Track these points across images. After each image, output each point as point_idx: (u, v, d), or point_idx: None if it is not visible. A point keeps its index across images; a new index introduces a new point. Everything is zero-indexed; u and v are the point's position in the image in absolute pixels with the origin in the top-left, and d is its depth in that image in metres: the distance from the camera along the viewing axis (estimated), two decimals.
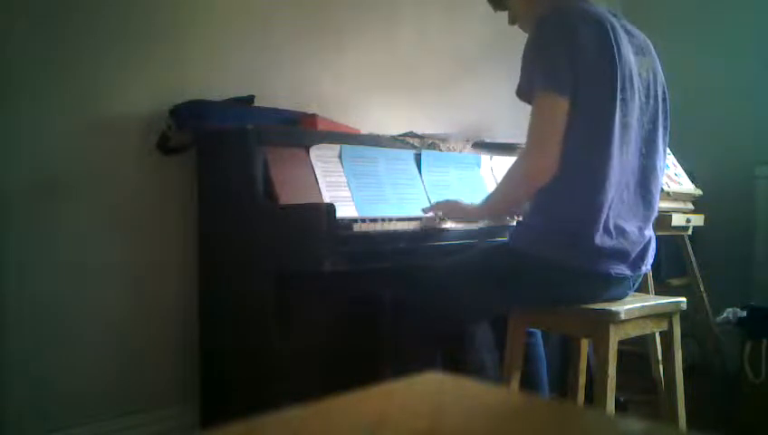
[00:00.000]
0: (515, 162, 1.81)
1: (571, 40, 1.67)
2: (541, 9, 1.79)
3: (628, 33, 1.80)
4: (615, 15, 1.82)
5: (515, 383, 1.84)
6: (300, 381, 1.88)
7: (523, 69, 1.74)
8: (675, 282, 3.09)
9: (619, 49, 1.71)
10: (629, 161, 1.76)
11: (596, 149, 1.70)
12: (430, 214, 1.99)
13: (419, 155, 2.35)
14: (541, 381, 2.05)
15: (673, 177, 2.75)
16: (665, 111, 1.88)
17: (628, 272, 1.77)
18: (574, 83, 1.67)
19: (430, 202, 2.26)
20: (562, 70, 1.67)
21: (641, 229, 1.80)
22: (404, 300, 1.90)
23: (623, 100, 1.71)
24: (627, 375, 2.44)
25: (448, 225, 2.00)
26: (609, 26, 1.72)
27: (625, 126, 1.73)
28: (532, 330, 2.02)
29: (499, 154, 2.59)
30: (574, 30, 1.68)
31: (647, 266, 1.84)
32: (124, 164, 2.13)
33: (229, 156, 2.02)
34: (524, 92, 1.74)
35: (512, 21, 1.94)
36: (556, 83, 1.67)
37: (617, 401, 2.22)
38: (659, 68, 1.88)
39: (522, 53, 1.76)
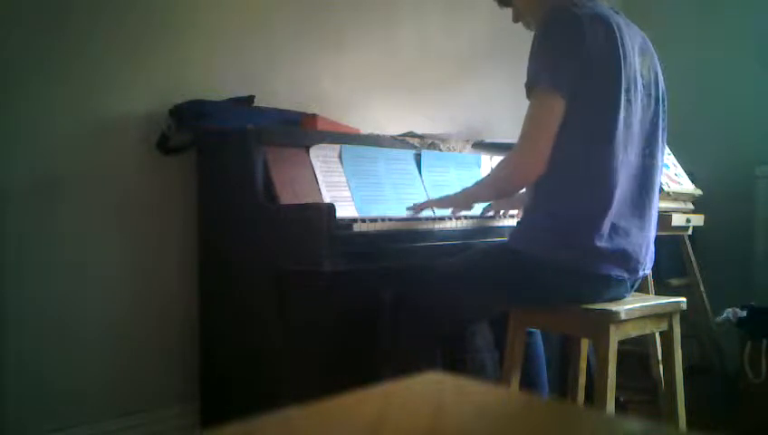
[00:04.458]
0: (507, 156, 1.84)
1: (576, 40, 1.68)
2: (546, 7, 1.78)
3: (631, 31, 1.81)
4: (618, 14, 1.82)
5: (515, 383, 1.84)
6: (300, 381, 1.88)
7: (529, 64, 1.75)
8: (675, 282, 3.09)
9: (624, 49, 1.71)
10: (633, 162, 1.76)
11: (598, 150, 1.70)
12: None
13: (419, 155, 2.35)
14: (541, 381, 2.05)
15: (673, 177, 2.75)
16: (663, 111, 1.88)
17: (627, 275, 1.77)
18: (576, 83, 1.67)
19: None
20: (564, 69, 1.67)
21: (644, 230, 1.80)
22: (404, 300, 1.90)
23: (628, 100, 1.71)
24: (627, 375, 2.44)
25: (450, 224, 2.01)
26: (615, 26, 1.72)
27: (628, 126, 1.73)
28: (532, 330, 2.02)
29: (499, 154, 2.59)
30: (581, 30, 1.68)
31: (645, 270, 1.84)
32: (124, 164, 2.13)
33: (229, 156, 2.02)
34: (529, 86, 1.75)
35: (515, 18, 1.94)
36: (555, 82, 1.68)
37: (617, 401, 2.22)
38: (659, 68, 1.89)
39: (522, 52, 1.77)
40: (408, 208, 2.06)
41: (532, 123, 1.72)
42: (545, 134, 1.70)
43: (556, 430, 0.58)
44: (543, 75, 1.69)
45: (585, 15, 1.71)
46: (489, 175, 1.98)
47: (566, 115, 1.69)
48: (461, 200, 1.98)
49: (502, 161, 1.87)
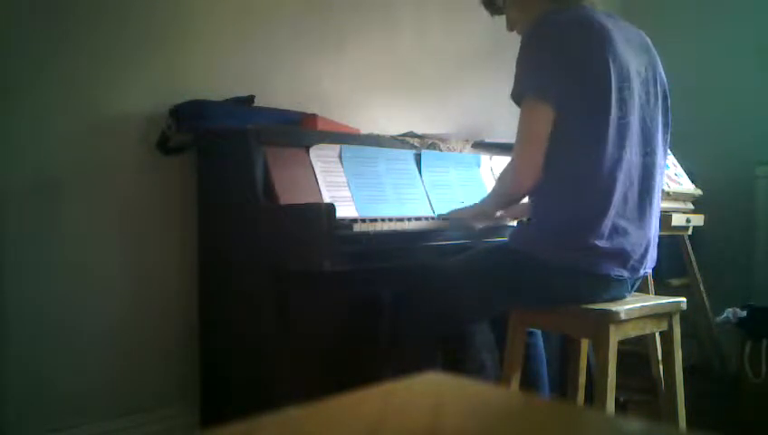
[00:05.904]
0: (506, 167, 1.90)
1: (559, 46, 1.70)
2: (535, 13, 1.79)
3: (625, 32, 1.81)
4: (611, 17, 1.82)
5: (515, 383, 1.84)
6: (300, 381, 1.88)
7: (515, 73, 1.76)
8: (675, 282, 3.09)
9: (613, 48, 1.71)
10: (633, 160, 1.76)
11: (592, 150, 1.70)
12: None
13: (419, 155, 2.35)
14: (541, 381, 2.05)
15: (673, 177, 2.75)
16: (665, 110, 1.88)
17: (627, 274, 1.77)
18: (563, 88, 1.68)
19: (430, 202, 2.26)
20: (548, 76, 1.69)
21: (643, 229, 1.79)
22: (404, 300, 1.90)
23: (621, 99, 1.72)
24: (627, 375, 2.44)
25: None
26: (601, 28, 1.72)
27: (625, 125, 1.73)
28: (532, 330, 2.02)
29: (499, 154, 2.59)
30: (562, 35, 1.70)
31: (646, 269, 1.84)
32: (124, 164, 2.13)
33: (229, 156, 2.02)
34: (515, 96, 1.77)
35: (510, 27, 1.96)
36: (540, 90, 1.70)
37: (617, 401, 2.22)
38: (660, 66, 1.88)
39: None
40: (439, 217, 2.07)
41: (523, 133, 1.76)
42: (536, 143, 1.72)
43: (556, 430, 0.58)
44: (529, 85, 1.72)
45: (565, 21, 1.72)
46: (493, 189, 2.01)
47: (558, 120, 1.70)
48: (472, 216, 2.01)
49: (502, 172, 1.93)
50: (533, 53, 1.73)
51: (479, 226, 2.06)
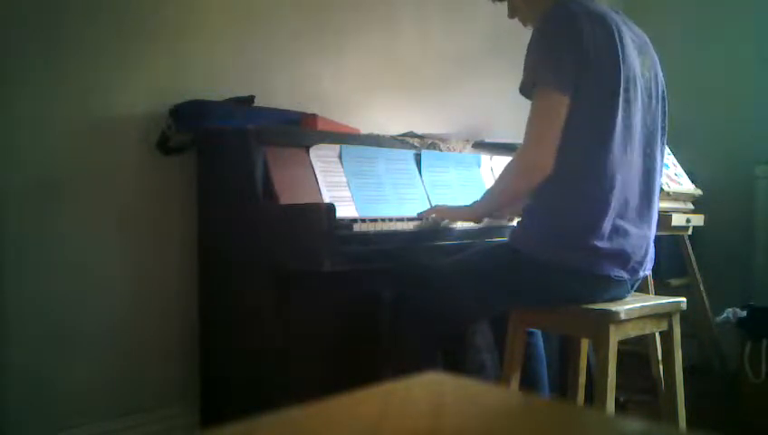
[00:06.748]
0: (513, 158, 1.82)
1: (575, 37, 1.67)
2: (543, 4, 1.78)
3: (631, 31, 1.80)
4: (617, 13, 1.81)
5: (515, 383, 1.84)
6: (300, 381, 1.88)
7: (526, 65, 1.74)
8: (675, 282, 3.09)
9: (623, 49, 1.70)
10: (634, 162, 1.75)
11: (597, 150, 1.70)
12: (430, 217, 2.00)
13: (419, 155, 2.35)
14: (541, 381, 2.05)
15: (673, 177, 2.75)
16: (663, 112, 1.88)
17: (627, 275, 1.77)
18: (576, 81, 1.66)
19: (430, 202, 2.26)
20: (565, 66, 1.66)
21: (643, 230, 1.79)
22: (404, 300, 1.90)
23: (626, 100, 1.71)
24: (627, 375, 2.44)
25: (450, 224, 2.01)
26: (613, 25, 1.71)
27: (628, 127, 1.73)
28: (532, 330, 2.02)
29: (499, 154, 2.59)
30: (579, 27, 1.67)
31: (645, 271, 1.84)
32: (124, 164, 2.13)
33: (229, 156, 2.02)
34: (527, 88, 1.74)
35: (511, 14, 1.93)
36: (557, 79, 1.66)
37: (617, 401, 2.22)
38: (659, 67, 1.88)
39: (522, 52, 1.75)
40: (419, 214, 2.03)
41: (538, 120, 1.70)
42: (553, 131, 1.68)
43: (556, 430, 0.58)
44: (547, 74, 1.68)
45: (583, 13, 1.70)
46: (496, 182, 1.92)
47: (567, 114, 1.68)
48: (471, 213, 1.96)
49: (508, 165, 1.84)
50: (550, 42, 1.69)
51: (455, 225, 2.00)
